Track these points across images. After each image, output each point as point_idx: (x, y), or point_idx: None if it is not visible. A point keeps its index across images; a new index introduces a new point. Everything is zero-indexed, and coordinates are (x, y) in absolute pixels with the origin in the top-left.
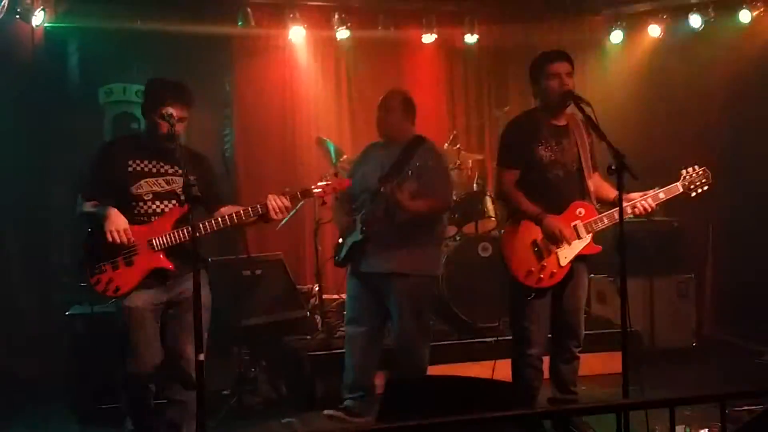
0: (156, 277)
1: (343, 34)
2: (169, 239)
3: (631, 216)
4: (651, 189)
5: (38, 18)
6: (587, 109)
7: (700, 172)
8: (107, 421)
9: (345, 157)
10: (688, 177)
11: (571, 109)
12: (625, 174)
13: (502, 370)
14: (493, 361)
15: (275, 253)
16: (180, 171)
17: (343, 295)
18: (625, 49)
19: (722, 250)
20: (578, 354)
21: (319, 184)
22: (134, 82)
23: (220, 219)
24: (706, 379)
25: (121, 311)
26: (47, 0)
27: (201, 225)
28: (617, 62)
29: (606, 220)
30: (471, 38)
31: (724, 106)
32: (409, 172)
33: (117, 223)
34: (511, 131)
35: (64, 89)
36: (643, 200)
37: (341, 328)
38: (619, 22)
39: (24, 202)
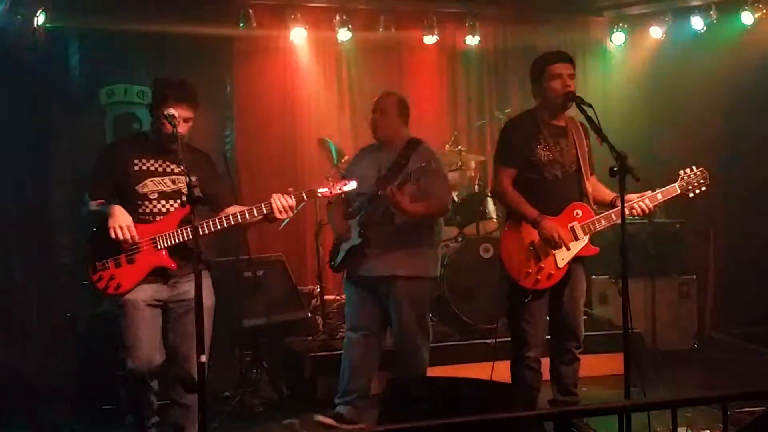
0: (158, 275)
1: (344, 35)
2: (172, 238)
3: (630, 217)
4: (652, 190)
5: (39, 19)
6: (589, 111)
7: (698, 173)
8: (107, 421)
9: (346, 158)
10: (685, 178)
11: (569, 110)
12: (626, 175)
13: (502, 371)
14: (493, 362)
15: (276, 254)
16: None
17: (344, 296)
18: (627, 50)
19: (724, 252)
20: (579, 355)
21: (324, 187)
22: (136, 82)
23: (224, 218)
24: (707, 381)
25: (121, 306)
26: (48, 1)
27: (205, 224)
28: (619, 64)
29: (604, 221)
30: (472, 40)
31: (726, 108)
32: (410, 174)
33: (121, 219)
34: (510, 130)
35: (65, 90)
36: (641, 201)
37: (342, 330)
38: (621, 24)
39: (25, 202)
